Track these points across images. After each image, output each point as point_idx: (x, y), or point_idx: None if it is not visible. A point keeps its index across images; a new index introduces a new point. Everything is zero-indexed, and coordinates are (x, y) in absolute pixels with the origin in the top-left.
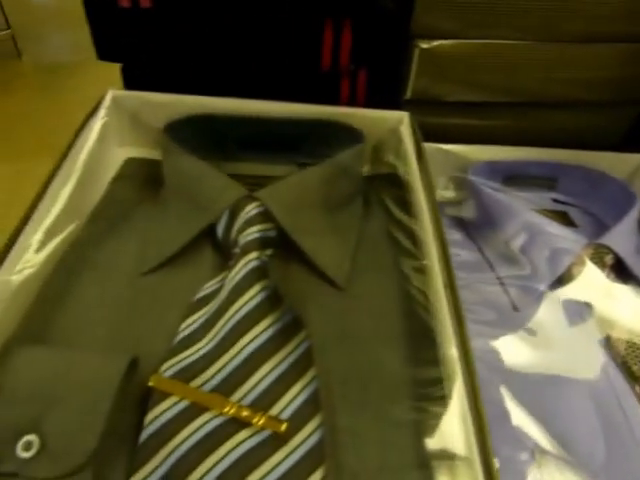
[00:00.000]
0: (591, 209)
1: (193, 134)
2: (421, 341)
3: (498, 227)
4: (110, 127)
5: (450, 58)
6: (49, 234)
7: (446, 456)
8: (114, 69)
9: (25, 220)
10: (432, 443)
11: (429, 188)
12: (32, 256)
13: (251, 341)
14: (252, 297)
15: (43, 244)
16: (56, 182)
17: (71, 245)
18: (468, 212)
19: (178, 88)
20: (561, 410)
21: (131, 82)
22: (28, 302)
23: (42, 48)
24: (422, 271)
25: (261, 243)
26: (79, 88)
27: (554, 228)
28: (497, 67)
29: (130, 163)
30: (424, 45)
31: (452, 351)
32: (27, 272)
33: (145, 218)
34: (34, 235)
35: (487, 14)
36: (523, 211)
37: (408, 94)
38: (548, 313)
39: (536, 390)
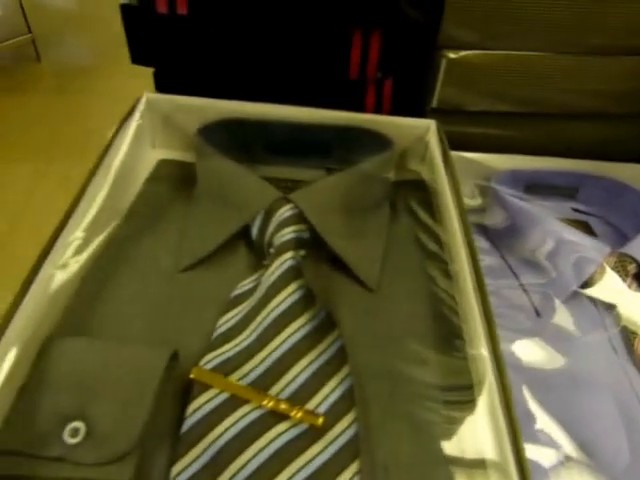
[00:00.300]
0: (611, 219)
1: (224, 137)
2: (450, 342)
3: (522, 235)
4: (144, 129)
5: (476, 68)
6: (89, 231)
7: (474, 460)
8: (130, 74)
9: (66, 218)
10: (460, 443)
11: (457, 194)
12: (74, 252)
13: (288, 338)
14: (288, 295)
15: (84, 241)
16: (95, 181)
17: (109, 242)
18: (491, 220)
19: (208, 93)
20: (584, 413)
21: (162, 86)
22: (68, 296)
23: (61, 52)
24: (449, 275)
25: (296, 244)
26: (96, 92)
27: (578, 237)
28: (522, 78)
29: (163, 165)
30: (452, 55)
31: (482, 351)
32: (69, 267)
33: (179, 217)
34: (75, 231)
35: (511, 26)
36: (548, 220)
37: (434, 103)
38: (570, 319)
39: (559, 394)
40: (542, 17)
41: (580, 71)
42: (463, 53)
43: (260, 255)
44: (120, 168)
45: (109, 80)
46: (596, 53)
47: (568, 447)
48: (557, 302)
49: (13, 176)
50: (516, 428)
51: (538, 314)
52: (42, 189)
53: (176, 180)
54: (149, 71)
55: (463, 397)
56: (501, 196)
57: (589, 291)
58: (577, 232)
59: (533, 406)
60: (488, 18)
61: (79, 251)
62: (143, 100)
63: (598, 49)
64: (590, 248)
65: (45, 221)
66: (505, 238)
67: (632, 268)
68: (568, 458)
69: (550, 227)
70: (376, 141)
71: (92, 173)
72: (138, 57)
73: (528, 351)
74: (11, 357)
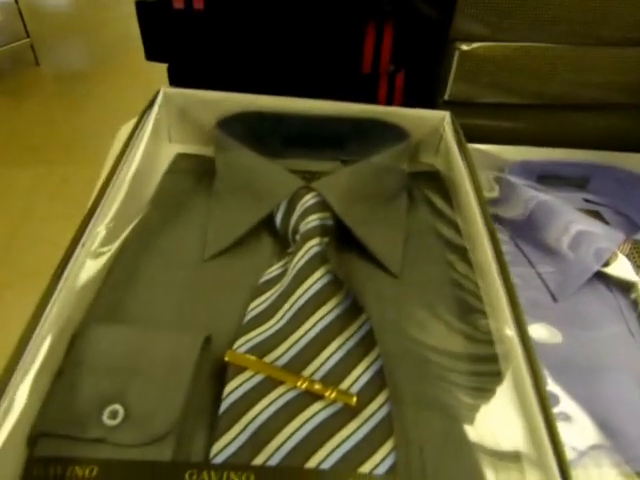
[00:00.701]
0: (622, 209)
1: (242, 130)
2: (474, 325)
3: (542, 226)
4: (161, 123)
5: (488, 60)
6: (115, 221)
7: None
8: (127, 77)
9: (93, 209)
10: (489, 424)
11: (476, 183)
12: (102, 242)
13: (318, 321)
14: (316, 281)
15: (111, 231)
16: (118, 174)
17: (134, 233)
18: (508, 211)
19: (222, 87)
20: (605, 395)
21: (176, 81)
22: (97, 285)
23: (60, 57)
24: (468, 261)
25: (321, 231)
26: (95, 95)
27: (597, 227)
28: (533, 70)
29: (181, 158)
30: (464, 47)
31: (509, 331)
32: (99, 256)
33: (201, 208)
34: (103, 221)
35: (521, 19)
36: (568, 210)
37: (446, 96)
38: (587, 304)
39: (579, 377)
40: (551, 10)
41: (589, 63)
42: (476, 45)
43: (284, 243)
44: (141, 161)
45: (107, 84)
46: (605, 45)
47: (590, 428)
48: (574, 288)
49: (14, 180)
50: (547, 406)
51: (555, 300)
52: (42, 192)
53: (194, 173)
54: (148, 74)
55: (491, 378)
56: (518, 187)
57: (610, 269)
58: (595, 221)
59: (555, 388)
60: (498, 11)
61: (107, 241)
62: (161, 94)
63: (607, 41)
64: (606, 235)
65: (45, 224)
66: (521, 228)
67: None
68: (595, 445)
69: (570, 217)
70: (392, 133)
71: (115, 166)
72: (153, 53)
73: (547, 335)
74: (47, 344)
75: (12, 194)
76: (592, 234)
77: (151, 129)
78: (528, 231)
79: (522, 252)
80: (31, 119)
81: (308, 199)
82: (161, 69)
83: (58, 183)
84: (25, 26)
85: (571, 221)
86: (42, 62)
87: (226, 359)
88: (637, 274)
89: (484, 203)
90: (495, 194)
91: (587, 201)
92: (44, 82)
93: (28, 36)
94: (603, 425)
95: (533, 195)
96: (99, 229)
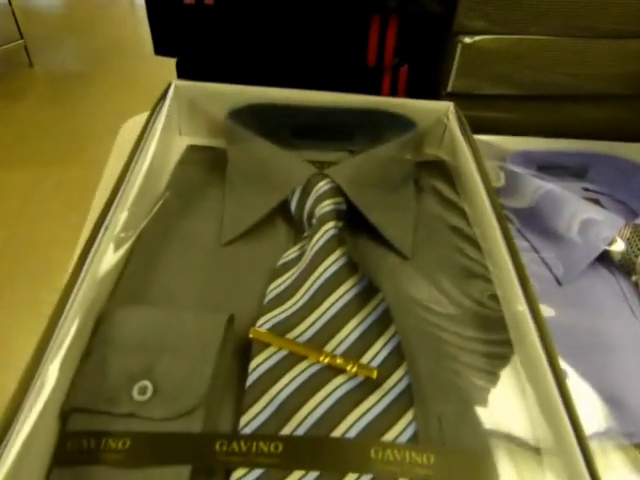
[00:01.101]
0: (620, 197)
1: (252, 121)
2: (485, 303)
3: (547, 214)
4: (172, 116)
5: (490, 53)
6: (134, 207)
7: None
8: (121, 78)
9: (112, 197)
10: (505, 397)
11: (482, 169)
12: (123, 226)
13: (336, 301)
14: (333, 262)
15: (130, 216)
16: (134, 165)
17: (152, 219)
18: (514, 200)
19: (230, 81)
20: (611, 371)
21: (184, 75)
22: (119, 271)
23: (53, 58)
24: (476, 245)
25: (336, 214)
26: (89, 97)
27: (601, 214)
28: (534, 62)
29: (192, 149)
30: (467, 40)
31: (520, 307)
32: (121, 240)
33: (214, 197)
34: (124, 206)
35: (521, 12)
36: (574, 200)
37: (449, 88)
38: (591, 287)
39: (586, 355)
40: (550, 4)
41: (589, 55)
42: (478, 38)
43: (298, 227)
44: (155, 153)
45: (101, 86)
46: (604, 37)
47: (598, 403)
48: (579, 271)
49: (10, 182)
50: (560, 377)
51: (560, 284)
52: (38, 194)
53: (206, 163)
54: (142, 76)
55: (504, 351)
56: (524, 177)
57: (602, 266)
58: (598, 208)
59: (563, 364)
60: (499, 5)
61: (128, 226)
62: (172, 87)
63: (606, 34)
64: (607, 220)
65: (42, 225)
66: (526, 217)
67: None
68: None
69: (577, 206)
70: (399, 123)
71: (130, 157)
72: (161, 48)
73: (553, 315)
74: (75, 325)
75: (8, 196)
76: (597, 221)
77: (163, 121)
78: (534, 220)
79: (526, 239)
80: (25, 121)
81: (322, 185)
82: (154, 71)
83: (53, 184)
84: (19, 27)
85: (578, 210)
86: (36, 64)
87: (250, 336)
88: (637, 257)
89: (491, 189)
90: (500, 183)
91: (586, 190)
92: (38, 84)
93: (22, 37)
94: (610, 399)
95: (539, 185)
96: (120, 215)
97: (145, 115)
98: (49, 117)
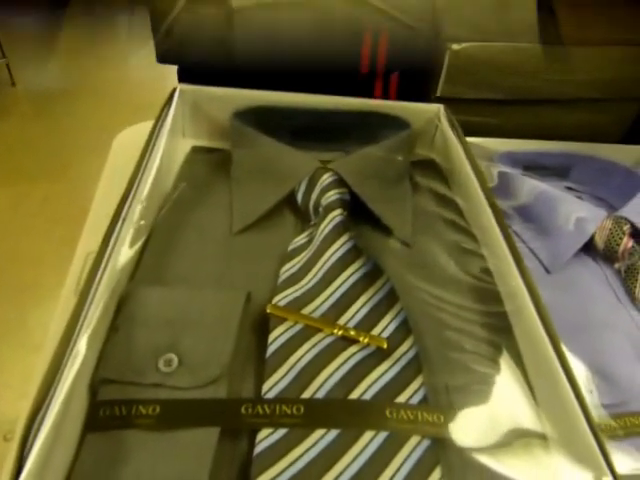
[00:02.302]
0: (601, 194)
1: (255, 123)
2: (483, 280)
3: (542, 214)
4: (177, 119)
5: (477, 59)
6: (148, 200)
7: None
8: (103, 96)
9: (128, 191)
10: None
11: (474, 164)
12: (139, 216)
13: (345, 280)
14: (340, 246)
15: (144, 209)
16: (145, 167)
17: (166, 212)
18: (504, 200)
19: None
20: (602, 348)
21: (185, 82)
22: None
23: (36, 77)
24: (471, 235)
25: (341, 203)
26: (72, 115)
27: (592, 212)
28: (519, 68)
29: (197, 150)
30: (455, 47)
31: (516, 282)
32: (137, 230)
33: (222, 190)
34: (141, 194)
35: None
36: (568, 198)
37: (438, 92)
38: (577, 275)
39: (576, 335)
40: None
41: (573, 62)
42: (465, 45)
43: (305, 217)
44: (163, 155)
45: (84, 103)
46: (588, 45)
47: (590, 376)
48: (567, 258)
49: None
50: (558, 346)
51: (547, 271)
52: (23, 210)
53: (211, 163)
54: (124, 94)
55: (503, 323)
56: (516, 177)
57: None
58: (584, 203)
59: None
60: (479, 17)
61: (142, 218)
62: (178, 91)
63: (590, 42)
64: (591, 214)
65: (27, 241)
66: (518, 214)
67: (627, 228)
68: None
69: (571, 205)
70: (394, 123)
71: (142, 157)
72: (164, 57)
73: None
74: (101, 304)
75: None
76: (583, 214)
77: (170, 124)
78: (527, 218)
79: (516, 234)
80: (9, 139)
81: (326, 178)
82: (138, 88)
83: (39, 200)
84: (1, 46)
85: (573, 209)
86: (18, 82)
87: (268, 311)
88: (619, 245)
89: (485, 183)
90: (493, 183)
91: (569, 189)
92: (21, 102)
93: (4, 56)
94: (598, 373)
95: (534, 185)
96: (136, 208)
97: (139, 126)
98: (33, 134)
